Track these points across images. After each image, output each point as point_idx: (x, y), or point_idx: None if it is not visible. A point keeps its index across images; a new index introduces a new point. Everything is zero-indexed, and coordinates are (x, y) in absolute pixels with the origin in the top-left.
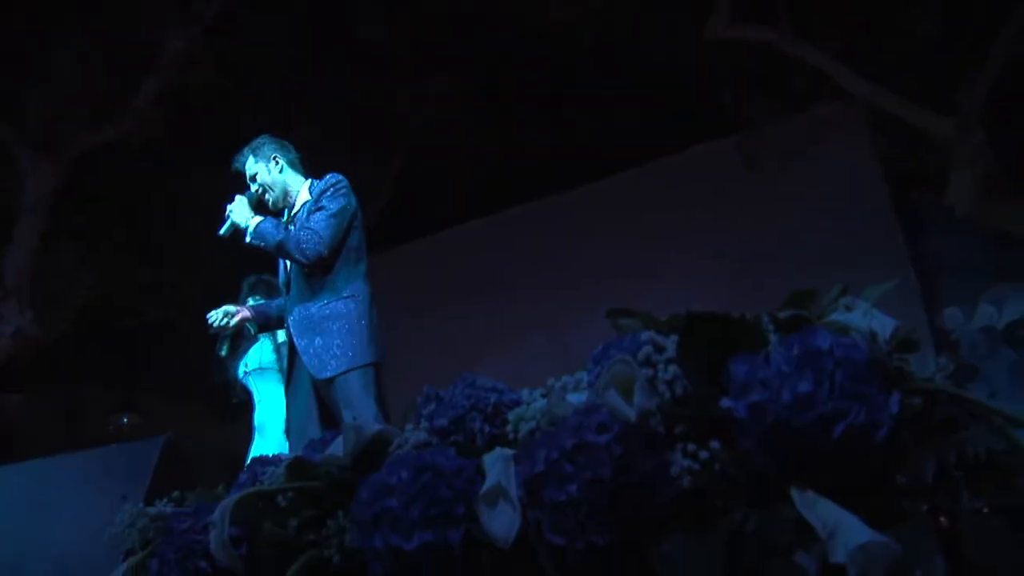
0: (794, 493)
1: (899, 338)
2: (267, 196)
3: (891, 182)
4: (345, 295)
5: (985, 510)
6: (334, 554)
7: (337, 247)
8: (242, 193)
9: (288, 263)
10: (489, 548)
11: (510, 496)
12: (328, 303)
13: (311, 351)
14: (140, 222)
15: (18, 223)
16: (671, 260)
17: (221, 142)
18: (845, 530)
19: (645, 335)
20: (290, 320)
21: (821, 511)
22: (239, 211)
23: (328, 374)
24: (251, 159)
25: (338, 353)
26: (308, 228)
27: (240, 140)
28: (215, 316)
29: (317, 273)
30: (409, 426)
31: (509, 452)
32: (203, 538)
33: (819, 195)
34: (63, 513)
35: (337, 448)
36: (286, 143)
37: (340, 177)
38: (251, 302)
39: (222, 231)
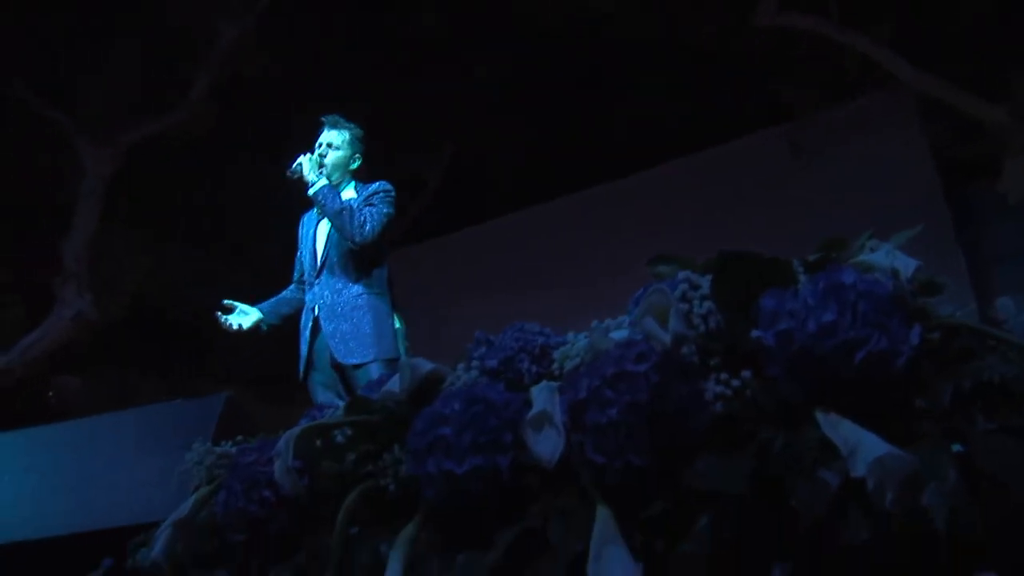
0: (818, 416)
1: (922, 280)
2: (327, 170)
3: (941, 171)
4: (376, 291)
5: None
6: (390, 483)
7: (379, 243)
8: (308, 153)
9: (324, 250)
10: (534, 471)
11: (555, 421)
12: (361, 295)
13: (338, 336)
14: (192, 210)
15: (77, 209)
16: (716, 252)
17: (272, 132)
18: (864, 447)
19: (682, 275)
20: (319, 303)
21: (843, 431)
22: (309, 165)
23: (353, 360)
24: (346, 135)
25: (366, 343)
26: (362, 214)
27: (290, 130)
28: (226, 320)
29: (352, 264)
30: (461, 366)
31: (554, 384)
32: (268, 469)
33: (867, 185)
34: (129, 465)
35: (393, 385)
36: (364, 150)
37: (391, 186)
38: None
39: (291, 171)
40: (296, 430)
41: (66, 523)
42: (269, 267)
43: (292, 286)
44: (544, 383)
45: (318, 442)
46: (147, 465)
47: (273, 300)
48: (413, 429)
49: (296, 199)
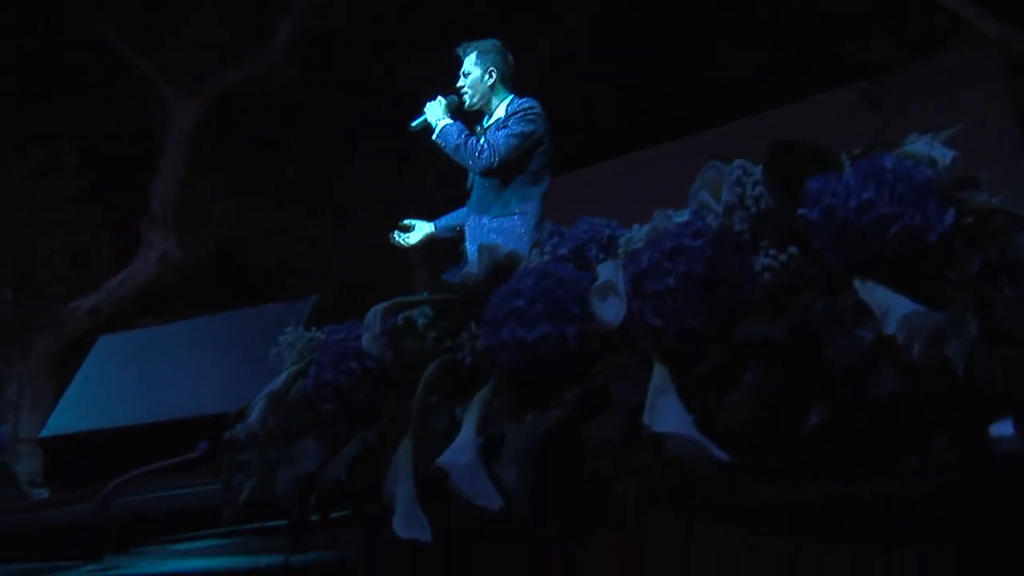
0: (856, 283)
1: (961, 175)
2: (468, 98)
3: None
4: (514, 211)
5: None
6: (467, 356)
7: (511, 166)
8: (444, 96)
9: (472, 174)
10: (598, 337)
11: (618, 290)
12: (497, 217)
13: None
14: (275, 160)
15: (163, 155)
16: None
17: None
18: (896, 307)
19: (737, 162)
20: (467, 226)
21: (878, 296)
22: (433, 111)
23: None
24: (472, 57)
25: None
26: (488, 141)
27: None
28: (397, 238)
29: (493, 188)
30: (535, 252)
31: (619, 261)
32: (355, 344)
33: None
34: (224, 361)
35: (473, 268)
36: (509, 57)
37: (534, 103)
38: None
39: (414, 124)
40: (382, 305)
41: (167, 411)
42: (347, 217)
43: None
44: (610, 261)
45: (400, 319)
46: (240, 361)
47: (451, 214)
48: (489, 303)
49: (376, 150)
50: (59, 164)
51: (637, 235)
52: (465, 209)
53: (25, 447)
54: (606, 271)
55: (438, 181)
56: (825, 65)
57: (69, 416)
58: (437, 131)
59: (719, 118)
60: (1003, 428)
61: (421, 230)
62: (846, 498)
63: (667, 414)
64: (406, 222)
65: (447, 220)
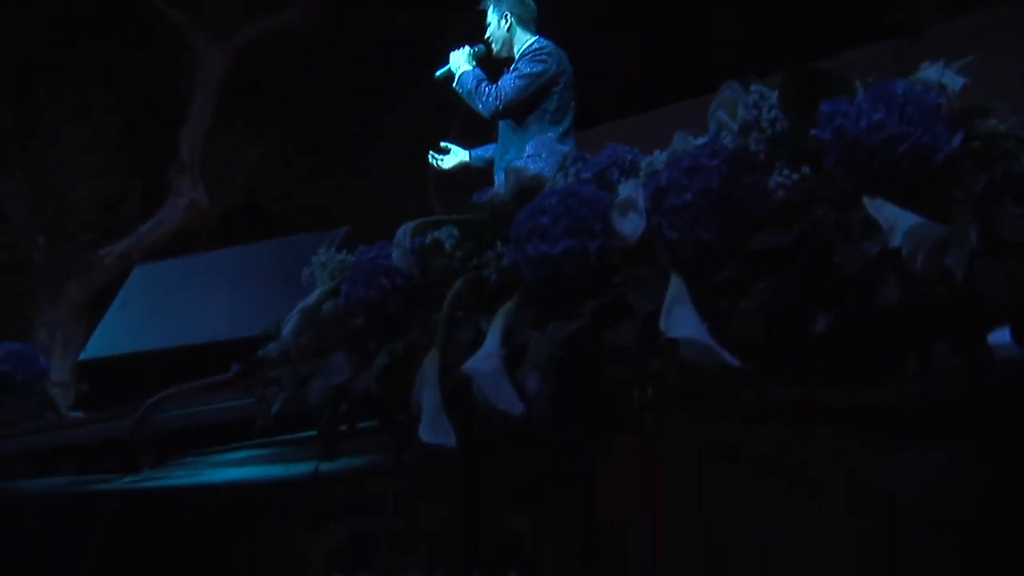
0: (865, 200)
1: (970, 103)
2: (494, 46)
3: None
4: (529, 153)
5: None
6: (492, 273)
7: (525, 107)
8: (472, 45)
9: None
10: (618, 252)
11: (638, 205)
12: (515, 159)
13: None
14: (303, 111)
15: (192, 103)
16: None
17: (378, 37)
18: (902, 221)
19: (754, 87)
20: (496, 168)
21: (886, 212)
22: (456, 59)
23: None
24: (491, 7)
25: None
26: (496, 85)
27: (398, 36)
28: (435, 160)
29: (511, 129)
30: (559, 175)
31: (640, 180)
32: (385, 262)
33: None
34: (257, 288)
35: (499, 189)
36: (527, 1)
37: (544, 44)
38: None
39: (438, 74)
40: (411, 223)
41: (202, 335)
42: (374, 169)
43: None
44: (631, 180)
45: (428, 238)
46: (273, 288)
47: (486, 146)
48: (515, 221)
49: (405, 104)
50: (90, 111)
51: (658, 159)
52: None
53: (57, 390)
54: (627, 189)
55: (464, 132)
56: (857, 22)
57: (106, 340)
58: (456, 79)
59: (747, 74)
60: (1001, 336)
61: (456, 156)
62: (852, 402)
63: (682, 321)
64: (444, 144)
65: (481, 151)
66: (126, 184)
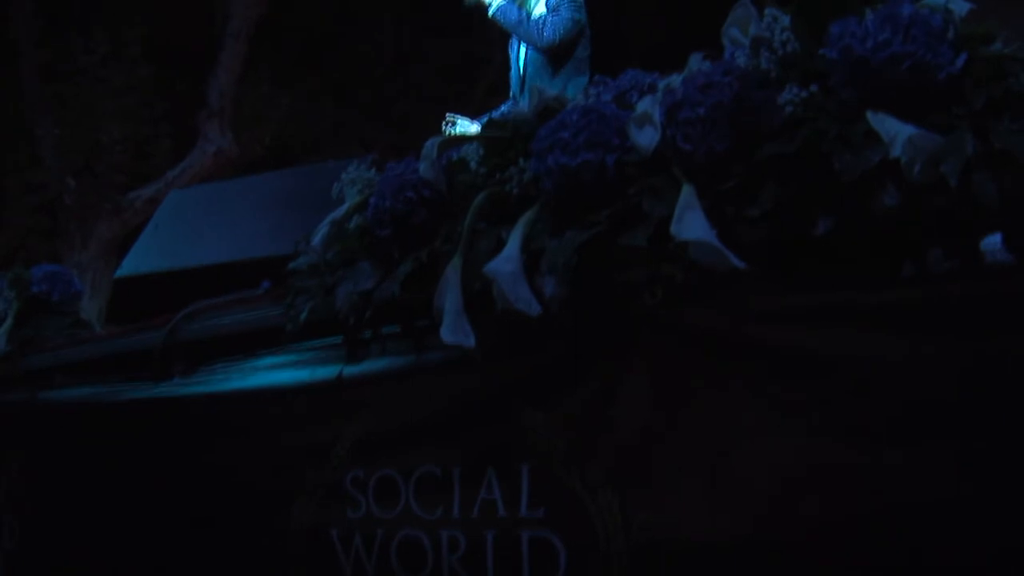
0: (869, 114)
1: (976, 29)
2: None
3: None
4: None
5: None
6: (514, 187)
7: (563, 52)
8: None
9: (522, 66)
10: (634, 166)
11: (654, 119)
12: None
13: None
14: (333, 61)
15: (223, 49)
16: None
17: None
18: (903, 133)
19: (768, 10)
20: None
21: (888, 125)
22: None
23: None
24: None
25: None
26: (548, 19)
27: None
28: (446, 129)
29: (545, 75)
30: (580, 96)
31: (657, 97)
32: (412, 177)
33: None
34: (288, 212)
35: (524, 108)
36: None
37: None
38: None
39: (465, 3)
40: (439, 138)
41: (233, 253)
42: (405, 121)
43: (509, 102)
44: (648, 96)
45: (454, 155)
46: (303, 212)
47: (497, 111)
48: (537, 136)
49: (436, 55)
50: (122, 56)
51: (675, 81)
52: (505, 108)
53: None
54: (644, 104)
55: (491, 88)
56: None
57: (141, 259)
58: (494, 7)
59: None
60: (992, 242)
61: (466, 127)
62: (850, 304)
63: (692, 224)
64: (451, 116)
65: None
66: (156, 129)
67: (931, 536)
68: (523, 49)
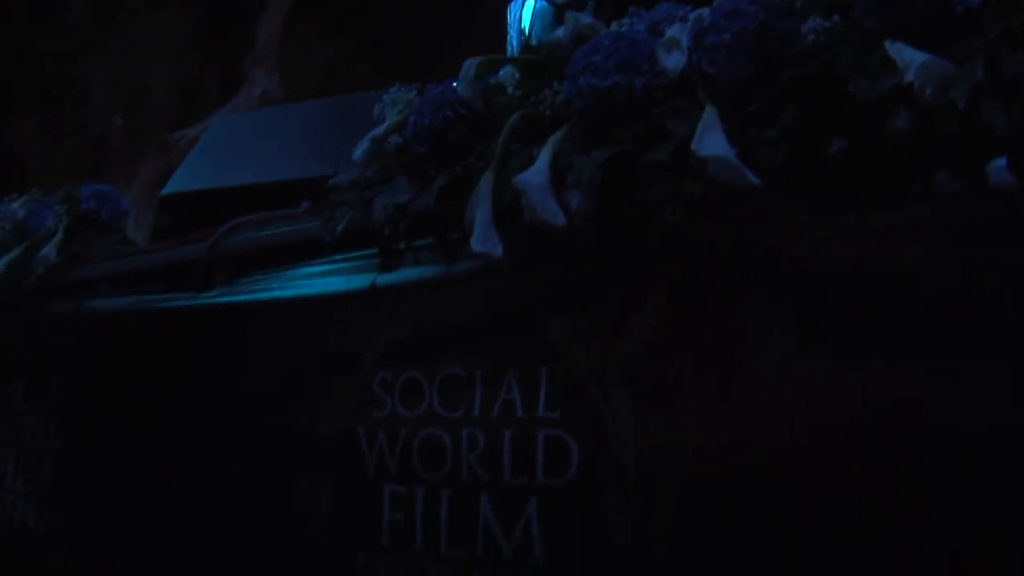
0: (887, 43)
1: None
2: None
3: None
4: None
5: None
6: (547, 108)
7: None
8: None
9: (528, 26)
10: (661, 89)
11: (681, 44)
12: None
13: None
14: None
15: None
16: None
17: None
18: (917, 59)
19: None
20: None
21: (904, 53)
22: None
23: None
24: None
25: None
26: None
27: None
28: None
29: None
30: (614, 23)
31: (686, 24)
32: (451, 95)
33: None
34: (326, 141)
35: (560, 34)
36: None
37: None
38: None
39: None
40: (477, 59)
41: (277, 173)
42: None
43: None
44: (677, 23)
45: (491, 78)
46: (345, 137)
47: None
48: (572, 58)
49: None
50: None
51: (705, 12)
52: None
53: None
54: (672, 30)
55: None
56: None
57: (187, 177)
58: None
59: None
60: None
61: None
62: (861, 221)
63: (712, 142)
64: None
65: None
66: (202, 72)
67: (941, 454)
68: (533, 6)
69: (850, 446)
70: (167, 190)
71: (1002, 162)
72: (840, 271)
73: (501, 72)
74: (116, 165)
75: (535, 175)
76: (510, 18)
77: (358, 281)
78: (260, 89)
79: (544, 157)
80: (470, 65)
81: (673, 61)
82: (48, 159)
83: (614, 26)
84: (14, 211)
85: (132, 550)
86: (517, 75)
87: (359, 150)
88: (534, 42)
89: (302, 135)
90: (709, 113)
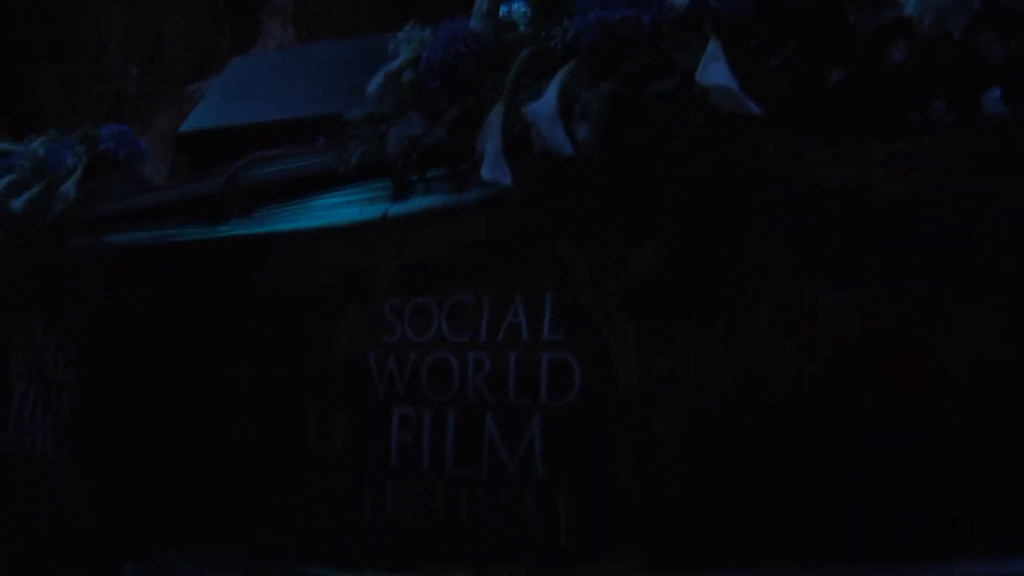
0: None
1: None
2: None
3: None
4: None
5: None
6: (557, 43)
7: None
8: None
9: None
10: (668, 24)
11: None
12: None
13: None
14: None
15: None
16: None
17: None
18: None
19: None
20: None
21: None
22: None
23: None
24: None
25: None
26: None
27: None
28: None
29: None
30: None
31: None
32: (464, 31)
33: None
34: (341, 80)
35: None
36: None
37: None
38: None
39: None
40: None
41: (293, 111)
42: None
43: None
44: None
45: (503, 13)
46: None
47: None
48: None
49: None
50: None
51: None
52: None
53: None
54: None
55: None
56: None
57: (204, 116)
58: None
59: None
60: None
61: None
62: (862, 150)
63: (715, 72)
64: None
65: None
66: (218, 23)
67: (939, 380)
68: None
69: (851, 373)
70: (184, 127)
71: (996, 93)
72: (840, 199)
73: (514, 6)
74: (131, 115)
75: (544, 106)
76: None
77: (371, 211)
78: (276, 42)
79: (553, 89)
80: (483, 0)
81: None
82: (67, 112)
83: None
84: (34, 150)
85: (149, 478)
86: (529, 12)
87: (373, 84)
88: None
89: (318, 74)
90: (713, 45)
